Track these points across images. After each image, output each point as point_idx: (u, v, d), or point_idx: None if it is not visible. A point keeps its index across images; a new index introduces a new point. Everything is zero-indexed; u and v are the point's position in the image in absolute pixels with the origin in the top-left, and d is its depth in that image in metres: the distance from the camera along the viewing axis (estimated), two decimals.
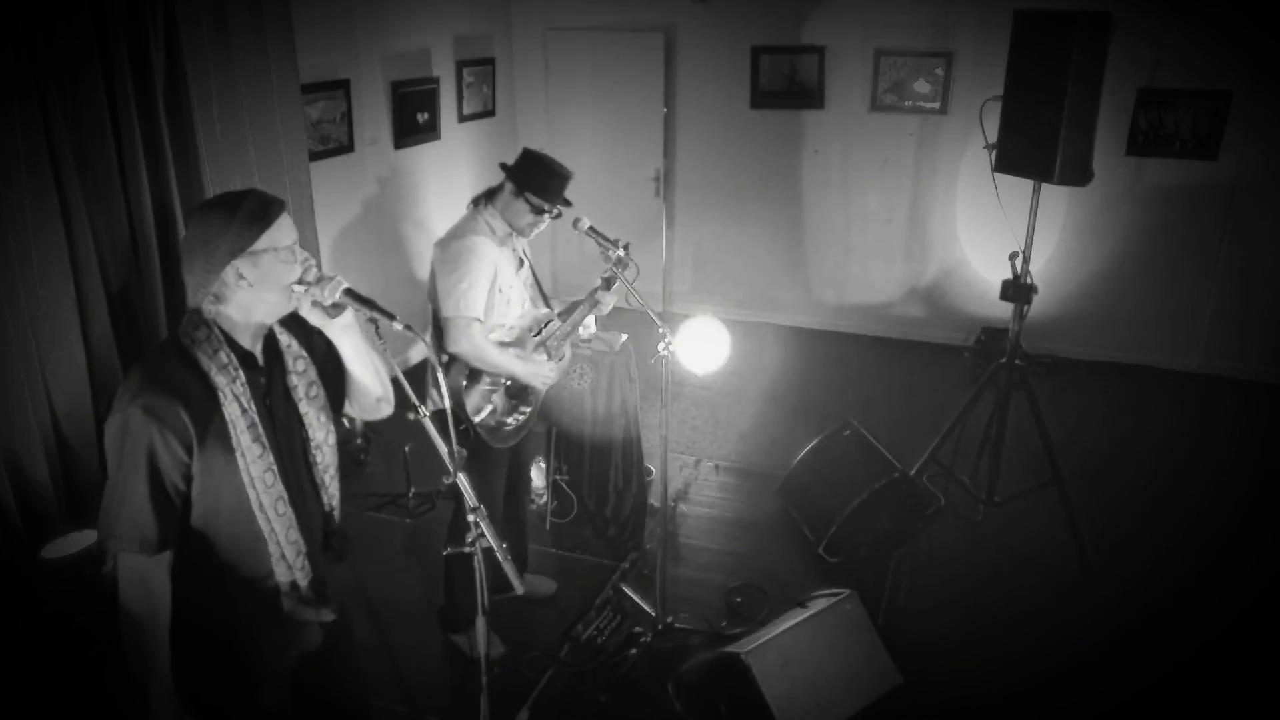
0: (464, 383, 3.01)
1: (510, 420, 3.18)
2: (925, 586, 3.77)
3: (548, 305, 3.33)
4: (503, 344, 3.07)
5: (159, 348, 1.84)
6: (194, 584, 1.79)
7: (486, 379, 3.07)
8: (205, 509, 1.77)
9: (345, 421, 2.14)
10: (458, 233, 3.02)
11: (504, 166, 3.08)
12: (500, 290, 3.03)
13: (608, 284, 3.22)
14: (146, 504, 1.68)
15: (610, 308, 3.28)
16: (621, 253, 3.05)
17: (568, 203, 3.12)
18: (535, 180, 3.01)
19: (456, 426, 2.99)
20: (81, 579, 2.96)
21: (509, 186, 3.02)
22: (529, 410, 3.25)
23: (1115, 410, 5.51)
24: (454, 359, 2.97)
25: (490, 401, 3.10)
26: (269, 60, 4.07)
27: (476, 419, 3.05)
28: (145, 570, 1.72)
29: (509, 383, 3.15)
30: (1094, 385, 5.87)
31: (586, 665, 3.29)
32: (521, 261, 3.21)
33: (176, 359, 1.73)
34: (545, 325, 3.23)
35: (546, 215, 3.06)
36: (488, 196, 3.08)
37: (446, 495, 3.37)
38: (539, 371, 3.15)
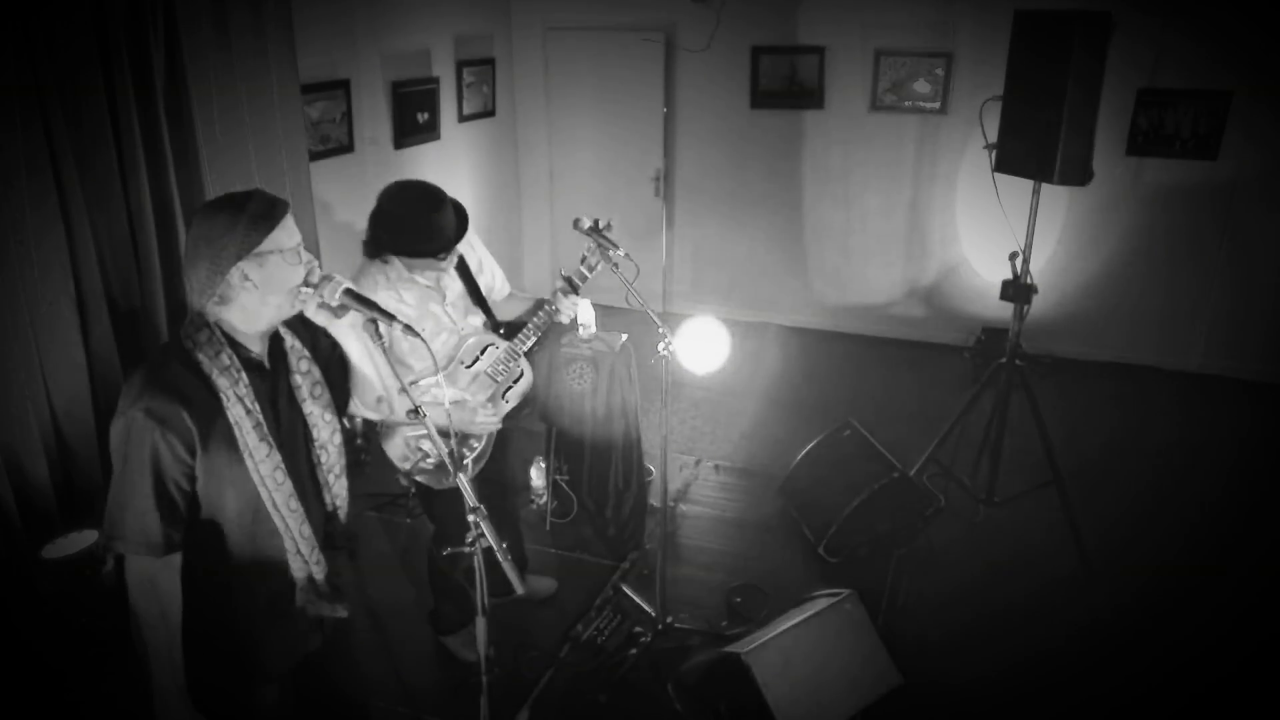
0: (379, 433, 2.80)
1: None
2: (925, 587, 3.76)
3: (491, 322, 3.01)
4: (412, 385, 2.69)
5: (161, 350, 1.85)
6: (198, 584, 1.80)
7: (407, 426, 2.76)
8: (210, 509, 1.77)
9: (346, 422, 2.14)
10: None
11: (380, 236, 2.70)
12: (406, 341, 2.57)
13: (570, 285, 2.87)
14: (151, 506, 1.69)
15: (571, 317, 2.92)
16: (623, 253, 2.86)
17: (463, 218, 2.75)
18: (421, 238, 2.64)
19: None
20: (81, 579, 2.96)
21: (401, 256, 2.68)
22: (480, 444, 2.99)
23: (1115, 410, 5.51)
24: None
25: (420, 449, 2.83)
26: (269, 60, 4.07)
27: (406, 467, 2.83)
28: (154, 573, 1.72)
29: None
30: (1094, 385, 5.87)
31: (586, 665, 3.29)
32: (445, 293, 2.86)
33: (178, 361, 1.73)
34: (483, 351, 2.88)
35: (446, 257, 2.70)
36: (377, 250, 2.72)
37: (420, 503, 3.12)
38: (470, 419, 2.82)
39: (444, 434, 2.88)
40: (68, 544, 3.06)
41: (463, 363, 2.88)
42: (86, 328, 3.36)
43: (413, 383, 2.68)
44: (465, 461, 2.97)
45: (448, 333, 2.87)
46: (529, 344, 2.93)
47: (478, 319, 2.99)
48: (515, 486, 3.56)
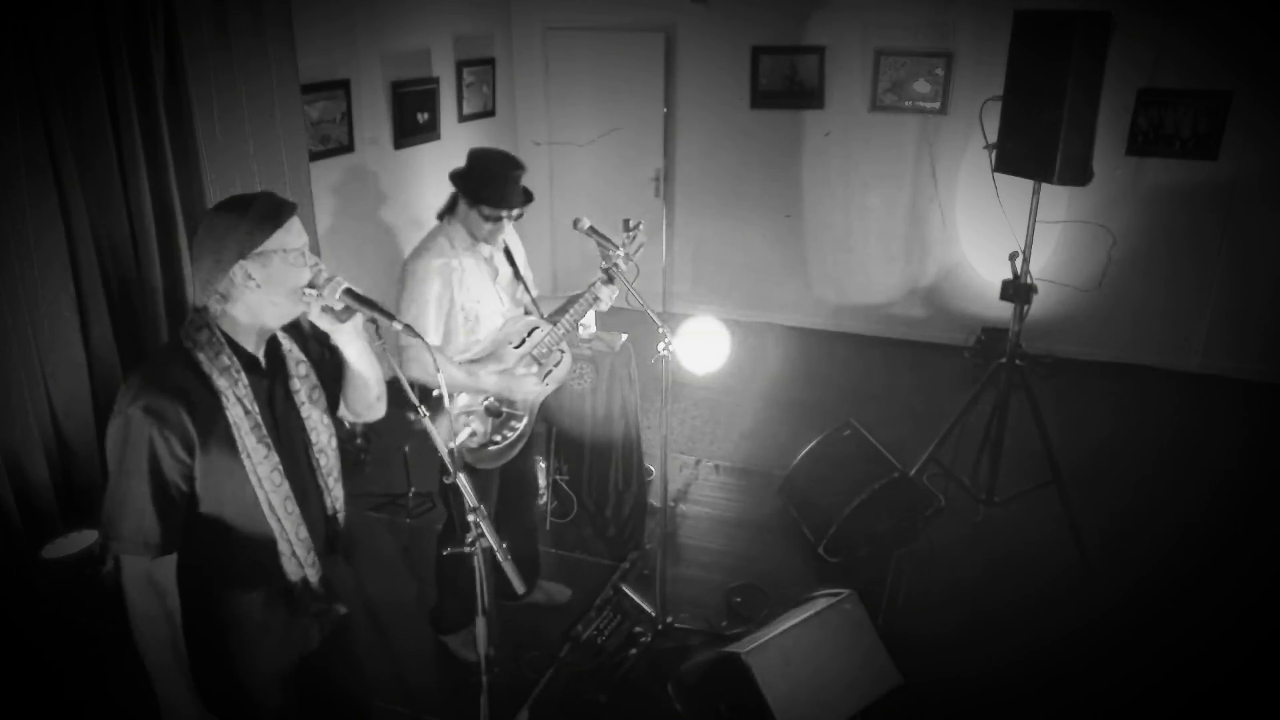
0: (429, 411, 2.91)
1: (499, 438, 3.01)
2: (925, 586, 3.77)
3: (536, 309, 3.16)
4: (472, 361, 2.89)
5: (160, 350, 1.85)
6: (196, 585, 1.79)
7: (457, 403, 2.92)
8: (208, 510, 1.77)
9: (345, 422, 2.14)
10: (415, 251, 2.89)
11: (453, 177, 2.90)
12: (464, 308, 2.87)
13: (609, 277, 3.03)
14: (148, 505, 1.68)
15: (610, 304, 3.09)
16: (623, 253, 2.96)
17: (529, 197, 2.93)
18: (485, 188, 2.83)
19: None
20: (81, 579, 2.96)
21: (462, 199, 2.87)
22: (521, 425, 3.06)
23: (1115, 410, 5.51)
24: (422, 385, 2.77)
25: (467, 425, 2.94)
26: (269, 60, 4.07)
27: (453, 444, 2.95)
28: (151, 572, 1.71)
29: (488, 401, 2.98)
30: (1094, 385, 5.87)
31: (586, 665, 3.29)
32: (498, 271, 3.02)
33: (178, 361, 1.73)
34: (529, 334, 3.03)
35: (505, 220, 2.89)
36: (450, 208, 2.92)
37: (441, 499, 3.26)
38: (517, 386, 2.96)
39: (489, 415, 3.01)
40: (68, 544, 3.06)
41: (510, 343, 3.00)
42: (86, 328, 3.36)
43: (473, 355, 2.83)
44: (509, 440, 3.05)
45: (497, 312, 2.97)
46: (572, 329, 3.08)
47: (521, 304, 3.14)
48: (531, 486, 3.57)
